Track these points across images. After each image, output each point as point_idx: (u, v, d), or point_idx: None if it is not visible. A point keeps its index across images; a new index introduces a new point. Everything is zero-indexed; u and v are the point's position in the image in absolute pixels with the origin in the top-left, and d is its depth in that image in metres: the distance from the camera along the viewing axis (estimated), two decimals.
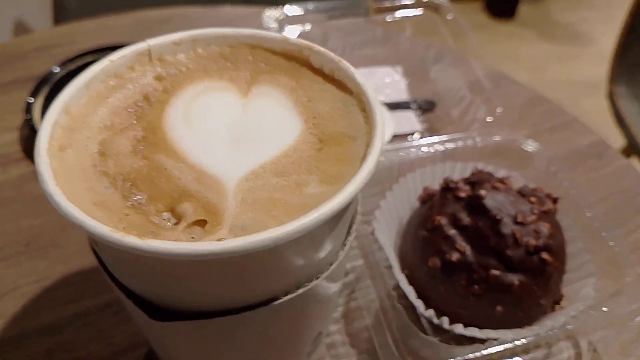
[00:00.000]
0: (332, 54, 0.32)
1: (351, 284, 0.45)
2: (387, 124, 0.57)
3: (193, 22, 0.75)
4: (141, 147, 0.28)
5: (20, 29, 1.24)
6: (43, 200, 0.50)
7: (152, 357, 0.40)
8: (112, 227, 0.22)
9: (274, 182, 0.27)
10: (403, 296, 0.41)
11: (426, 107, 0.61)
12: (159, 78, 0.32)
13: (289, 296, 0.27)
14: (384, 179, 0.47)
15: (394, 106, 0.61)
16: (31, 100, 0.55)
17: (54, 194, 0.23)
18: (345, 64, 0.31)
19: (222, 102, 0.31)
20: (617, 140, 1.30)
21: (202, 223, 0.25)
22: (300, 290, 0.27)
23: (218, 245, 0.21)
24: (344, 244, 0.30)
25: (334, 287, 0.31)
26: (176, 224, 0.25)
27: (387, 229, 0.43)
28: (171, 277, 0.24)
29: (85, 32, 0.73)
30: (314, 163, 0.28)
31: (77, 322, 0.42)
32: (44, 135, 0.26)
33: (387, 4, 0.63)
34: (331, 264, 0.29)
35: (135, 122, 0.29)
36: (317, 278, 0.28)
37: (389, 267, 0.41)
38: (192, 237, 0.24)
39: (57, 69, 0.59)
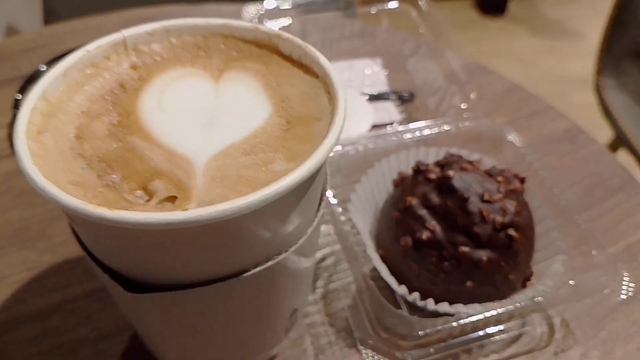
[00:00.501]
0: (299, 41, 0.33)
1: (329, 268, 0.47)
2: (366, 113, 0.58)
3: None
4: (116, 131, 0.29)
5: (11, 32, 1.25)
6: (31, 194, 0.52)
7: (137, 340, 0.41)
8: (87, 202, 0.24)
9: (242, 161, 0.28)
10: (379, 278, 0.43)
11: (405, 98, 0.63)
12: (134, 67, 0.33)
13: (259, 268, 0.28)
14: (361, 166, 0.49)
15: (374, 97, 0.63)
16: (19, 97, 0.56)
17: (30, 171, 0.24)
18: (312, 49, 0.33)
19: (194, 87, 0.32)
20: (606, 133, 1.32)
21: (172, 200, 0.26)
22: (269, 263, 0.29)
23: (182, 214, 0.23)
24: (312, 220, 0.31)
25: (304, 263, 0.33)
26: (148, 200, 0.26)
27: (363, 212, 0.45)
28: (141, 248, 0.25)
29: (72, 32, 0.74)
30: (280, 142, 0.29)
31: (64, 308, 0.43)
32: (23, 120, 0.27)
33: None
34: (300, 239, 0.30)
35: (111, 108, 0.31)
36: (286, 251, 0.29)
37: (365, 250, 0.42)
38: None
39: (43, 67, 0.60)
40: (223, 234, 0.25)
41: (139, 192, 0.27)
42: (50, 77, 0.30)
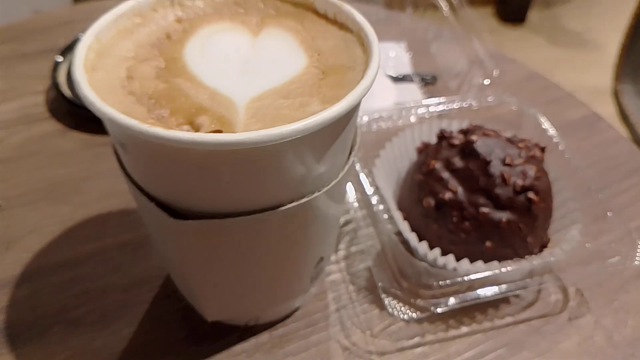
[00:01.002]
0: None
1: (350, 232, 0.48)
2: (389, 93, 0.60)
3: None
4: (163, 73, 0.31)
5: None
6: (66, 155, 0.54)
7: (166, 288, 0.43)
8: None
9: (280, 103, 0.30)
10: (402, 242, 0.44)
11: (428, 80, 0.65)
12: (178, 20, 0.36)
13: (293, 204, 0.30)
14: (385, 139, 0.51)
15: (397, 79, 0.65)
16: (60, 59, 0.59)
17: (88, 94, 0.26)
18: (347, 6, 0.34)
19: (234, 40, 0.34)
20: None
21: (217, 133, 0.28)
22: (303, 200, 0.30)
23: (231, 136, 0.25)
24: (343, 167, 0.33)
25: (333, 208, 0.34)
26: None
27: (386, 178, 0.46)
28: (188, 173, 0.27)
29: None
30: (316, 89, 0.31)
31: (96, 258, 0.45)
32: (80, 55, 0.29)
33: None
34: (332, 181, 0.32)
35: (158, 54, 0.33)
36: (319, 191, 0.31)
37: (389, 217, 0.44)
38: None
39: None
40: (264, 162, 0.27)
41: (186, 127, 0.29)
42: (103, 22, 0.32)
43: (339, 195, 0.34)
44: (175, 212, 0.30)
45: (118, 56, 0.32)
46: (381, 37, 0.69)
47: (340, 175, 0.32)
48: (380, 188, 0.44)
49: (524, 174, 0.40)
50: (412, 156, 0.48)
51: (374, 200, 0.43)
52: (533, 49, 2.62)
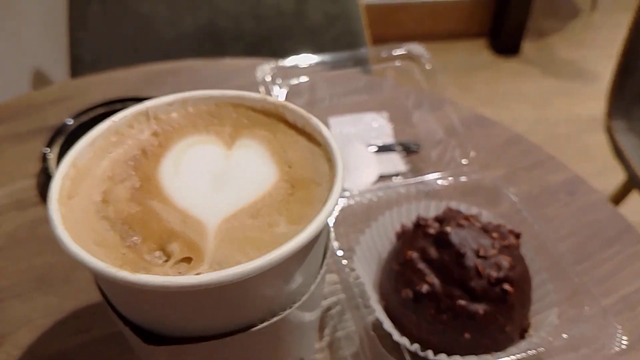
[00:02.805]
0: (303, 111, 0.37)
1: (335, 317, 0.49)
2: (372, 165, 0.61)
3: (196, 73, 0.81)
4: (137, 195, 0.33)
5: (38, 80, 1.32)
6: (56, 242, 0.55)
7: None
8: (110, 264, 0.27)
9: (249, 223, 0.31)
10: (381, 327, 0.45)
11: (410, 150, 0.66)
12: (154, 134, 0.37)
13: (265, 324, 0.31)
14: (366, 216, 0.52)
15: (380, 149, 0.66)
16: (47, 150, 0.61)
17: (61, 236, 0.28)
18: (314, 119, 0.36)
19: (208, 153, 0.36)
20: (619, 174, 1.33)
21: (187, 260, 0.29)
22: (275, 319, 0.31)
23: (195, 278, 0.26)
24: (315, 277, 0.34)
25: (308, 316, 0.35)
26: (166, 261, 0.29)
27: (366, 263, 0.47)
28: (159, 305, 0.28)
29: (97, 84, 0.79)
30: (284, 206, 0.32)
31: (84, 351, 0.46)
32: (55, 187, 0.31)
33: (384, 55, 0.68)
34: (304, 295, 0.33)
35: (133, 173, 0.34)
36: (290, 307, 0.32)
37: (368, 301, 0.45)
38: (179, 272, 0.29)
39: (70, 121, 0.64)
40: (231, 294, 0.28)
41: (158, 253, 0.30)
42: (80, 146, 0.34)
43: (312, 305, 0.35)
44: (150, 335, 0.31)
45: (94, 179, 0.33)
46: (363, 108, 0.71)
47: (312, 288, 0.33)
48: (361, 277, 0.45)
49: (497, 266, 0.41)
50: (392, 237, 0.49)
51: (354, 291, 0.44)
52: (527, 80, 2.64)
